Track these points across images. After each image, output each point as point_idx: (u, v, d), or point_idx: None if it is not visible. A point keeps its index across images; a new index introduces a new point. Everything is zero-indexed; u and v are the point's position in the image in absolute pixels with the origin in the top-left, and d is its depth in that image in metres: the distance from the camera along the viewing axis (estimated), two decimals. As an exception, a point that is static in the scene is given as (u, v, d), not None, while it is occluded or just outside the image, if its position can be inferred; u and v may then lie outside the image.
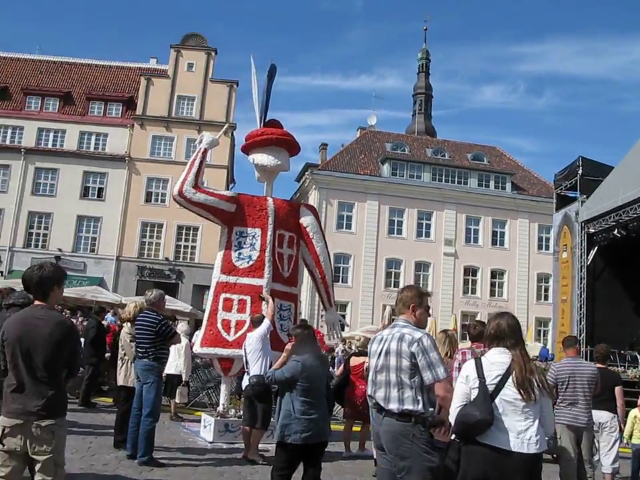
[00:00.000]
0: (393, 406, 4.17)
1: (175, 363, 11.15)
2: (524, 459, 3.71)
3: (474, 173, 41.90)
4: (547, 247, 41.66)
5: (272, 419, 7.57)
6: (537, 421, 3.82)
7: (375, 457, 5.37)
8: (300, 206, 10.60)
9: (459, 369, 6.47)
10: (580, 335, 22.52)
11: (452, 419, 3.86)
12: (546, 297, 41.50)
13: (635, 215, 19.84)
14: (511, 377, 3.82)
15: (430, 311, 4.62)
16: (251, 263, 9.72)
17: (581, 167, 23.65)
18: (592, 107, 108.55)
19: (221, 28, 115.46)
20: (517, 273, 41.04)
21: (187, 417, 11.57)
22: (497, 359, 3.90)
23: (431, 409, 4.23)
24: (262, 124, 10.41)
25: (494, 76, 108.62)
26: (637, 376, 17.18)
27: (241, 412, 9.24)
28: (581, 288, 22.74)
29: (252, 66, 10.66)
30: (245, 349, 8.27)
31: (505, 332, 3.97)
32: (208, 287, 34.06)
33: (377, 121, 48.18)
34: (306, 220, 10.35)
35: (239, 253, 9.75)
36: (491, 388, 3.79)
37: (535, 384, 3.86)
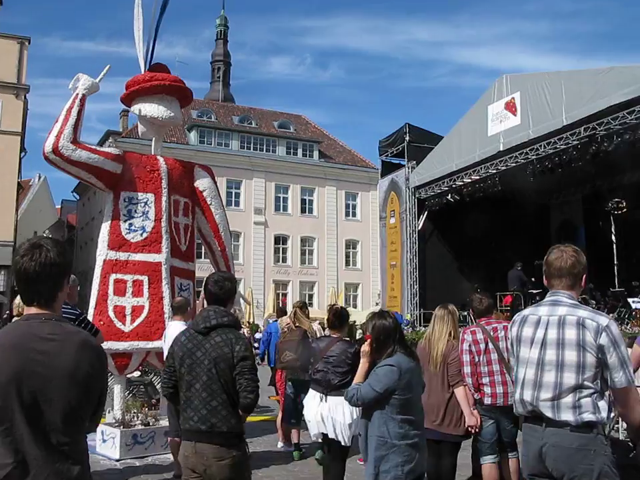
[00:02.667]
0: (568, 416, 3.04)
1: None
2: None
3: (282, 140, 41.39)
4: (354, 214, 42.58)
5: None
6: None
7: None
8: (194, 166, 8.93)
9: (470, 351, 5.57)
10: (413, 299, 22.99)
11: None
12: (354, 263, 42.48)
13: (470, 180, 20.39)
14: None
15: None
16: (144, 235, 7.97)
17: (407, 134, 23.93)
18: (374, 81, 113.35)
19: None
20: (325, 241, 41.39)
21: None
22: None
23: (612, 415, 3.19)
24: (147, 67, 8.59)
25: (282, 48, 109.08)
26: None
27: (149, 418, 7.60)
28: (412, 252, 23.13)
29: (137, -5, 8.66)
30: (165, 341, 6.65)
31: None
32: None
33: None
34: (202, 183, 8.77)
35: (130, 224, 7.95)
36: None
37: None
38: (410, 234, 23.26)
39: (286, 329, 8.35)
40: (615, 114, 15.05)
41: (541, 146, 17.17)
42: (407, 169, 23.60)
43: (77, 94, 7.73)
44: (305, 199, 41.51)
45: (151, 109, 8.35)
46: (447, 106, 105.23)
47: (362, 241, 42.17)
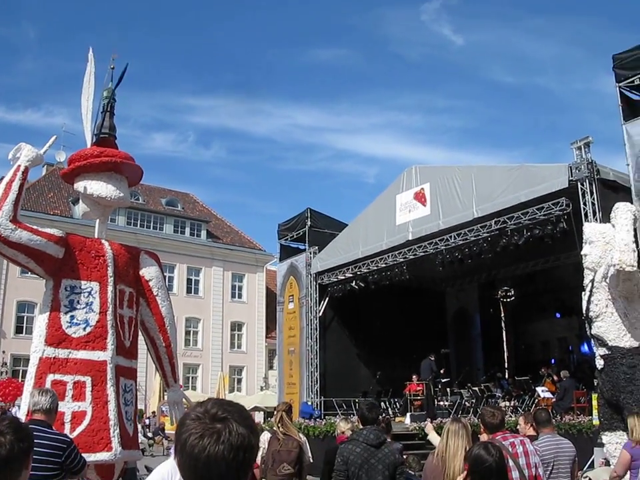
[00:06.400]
0: None
1: None
2: None
3: (169, 218, 40.42)
4: (240, 296, 41.85)
5: None
6: None
7: None
8: (140, 252, 8.08)
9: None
10: (313, 387, 22.37)
11: None
12: (239, 345, 41.43)
13: (376, 268, 20.41)
14: None
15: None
16: (88, 329, 7.00)
17: (309, 219, 23.87)
18: (256, 162, 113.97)
19: None
20: (211, 322, 40.23)
21: None
22: None
23: None
24: (94, 141, 7.84)
25: (165, 124, 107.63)
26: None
27: None
28: (313, 339, 22.65)
29: (90, 63, 7.91)
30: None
31: None
32: None
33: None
34: (149, 272, 7.93)
35: (72, 316, 6.96)
36: None
37: None
38: (311, 320, 22.84)
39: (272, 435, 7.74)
40: (525, 209, 15.64)
41: (451, 237, 17.50)
42: (308, 254, 23.38)
43: (19, 165, 6.81)
44: (191, 279, 40.39)
45: (98, 187, 7.54)
46: (326, 190, 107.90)
47: (247, 323, 41.42)
